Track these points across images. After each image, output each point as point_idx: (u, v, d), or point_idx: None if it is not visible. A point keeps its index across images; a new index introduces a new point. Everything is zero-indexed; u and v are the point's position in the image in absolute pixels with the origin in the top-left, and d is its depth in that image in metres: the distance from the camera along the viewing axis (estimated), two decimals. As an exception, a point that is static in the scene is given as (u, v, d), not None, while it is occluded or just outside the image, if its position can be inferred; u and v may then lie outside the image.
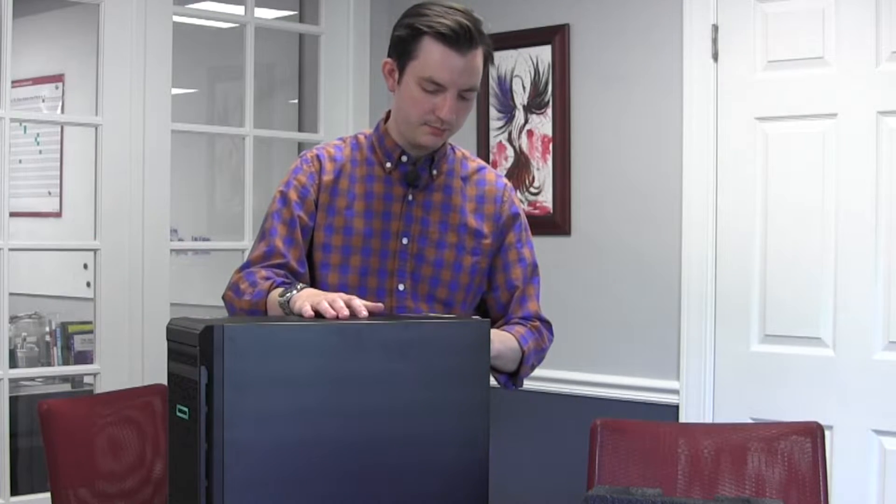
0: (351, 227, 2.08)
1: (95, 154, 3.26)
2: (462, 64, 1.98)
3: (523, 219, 2.24)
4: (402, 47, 2.02)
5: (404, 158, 2.11)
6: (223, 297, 2.07)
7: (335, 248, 2.08)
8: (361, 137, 2.17)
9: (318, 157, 2.13)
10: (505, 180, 2.25)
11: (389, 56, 2.07)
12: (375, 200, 2.10)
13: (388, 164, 2.11)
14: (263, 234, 2.09)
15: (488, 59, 2.05)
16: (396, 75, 2.05)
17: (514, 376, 2.14)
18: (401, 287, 2.09)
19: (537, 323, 2.20)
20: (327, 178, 2.10)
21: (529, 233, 2.24)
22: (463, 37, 1.96)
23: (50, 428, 2.42)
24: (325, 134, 3.81)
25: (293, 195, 2.09)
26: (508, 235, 2.19)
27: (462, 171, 2.18)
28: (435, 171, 2.13)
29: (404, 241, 2.09)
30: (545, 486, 3.39)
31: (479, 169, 2.22)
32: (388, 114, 2.15)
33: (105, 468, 2.52)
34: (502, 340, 2.06)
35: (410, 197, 2.11)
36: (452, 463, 1.69)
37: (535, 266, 2.22)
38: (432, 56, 1.97)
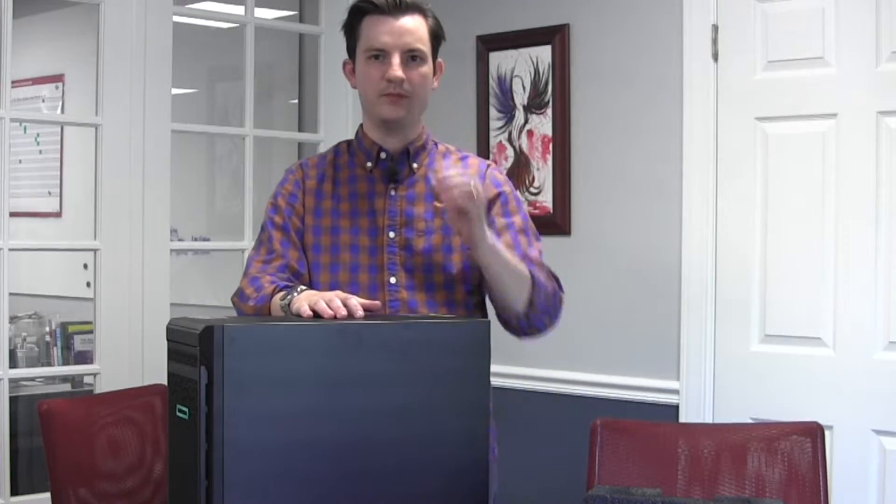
0: (338, 227, 2.13)
1: (95, 154, 3.26)
2: (397, 26, 2.08)
3: (510, 193, 2.21)
4: (349, 37, 2.16)
5: (383, 155, 2.16)
6: (231, 300, 2.14)
7: (324, 248, 2.13)
8: (343, 144, 2.25)
9: (301, 166, 2.23)
10: (489, 162, 2.29)
11: (348, 56, 2.19)
12: (360, 199, 2.15)
13: (369, 164, 2.16)
14: (261, 242, 2.17)
15: (438, 33, 2.14)
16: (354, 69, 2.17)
17: (525, 318, 2.08)
18: (392, 280, 2.10)
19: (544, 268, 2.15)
20: (311, 182, 2.18)
21: (521, 205, 2.22)
22: (392, 3, 2.08)
23: (50, 428, 2.42)
24: (325, 134, 3.81)
25: (282, 203, 2.17)
26: (493, 209, 2.17)
27: (445, 162, 2.21)
28: (415, 164, 2.17)
29: (391, 234, 2.12)
30: (545, 486, 3.38)
31: (463, 157, 2.25)
32: None
33: (105, 468, 2.52)
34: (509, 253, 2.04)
35: (393, 192, 2.15)
36: (452, 463, 1.69)
37: (526, 230, 2.17)
38: (371, 28, 2.10)
